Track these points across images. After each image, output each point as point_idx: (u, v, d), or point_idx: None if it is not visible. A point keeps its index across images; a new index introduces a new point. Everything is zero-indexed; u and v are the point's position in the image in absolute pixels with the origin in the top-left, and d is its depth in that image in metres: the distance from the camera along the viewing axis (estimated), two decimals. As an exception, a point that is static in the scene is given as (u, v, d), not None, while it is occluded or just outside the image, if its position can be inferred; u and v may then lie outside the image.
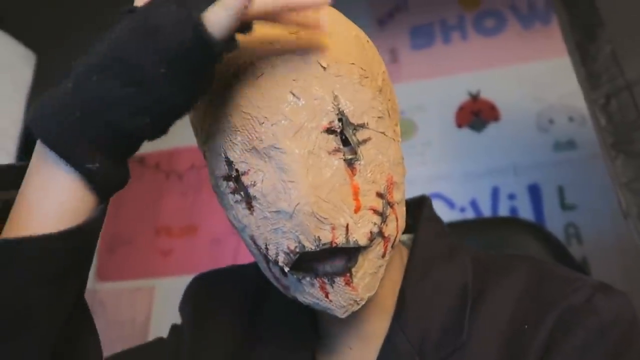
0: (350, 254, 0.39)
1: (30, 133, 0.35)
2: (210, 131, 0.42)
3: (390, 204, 0.41)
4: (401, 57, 1.66)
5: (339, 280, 0.39)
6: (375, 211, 0.40)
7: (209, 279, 0.60)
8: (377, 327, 0.46)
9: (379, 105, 0.42)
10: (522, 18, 1.58)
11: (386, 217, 0.41)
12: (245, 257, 1.29)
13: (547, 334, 0.40)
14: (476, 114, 1.53)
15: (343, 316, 0.40)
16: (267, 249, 0.40)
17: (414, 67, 1.63)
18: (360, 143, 0.40)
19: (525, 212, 1.40)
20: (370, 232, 0.39)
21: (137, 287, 1.69)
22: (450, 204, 1.47)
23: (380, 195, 0.40)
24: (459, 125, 1.54)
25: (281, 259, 0.39)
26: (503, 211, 1.43)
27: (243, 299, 0.56)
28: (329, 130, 0.38)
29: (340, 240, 0.38)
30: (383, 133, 0.41)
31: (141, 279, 1.69)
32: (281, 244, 0.39)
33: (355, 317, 0.46)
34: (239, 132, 0.39)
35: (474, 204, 1.46)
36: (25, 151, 1.95)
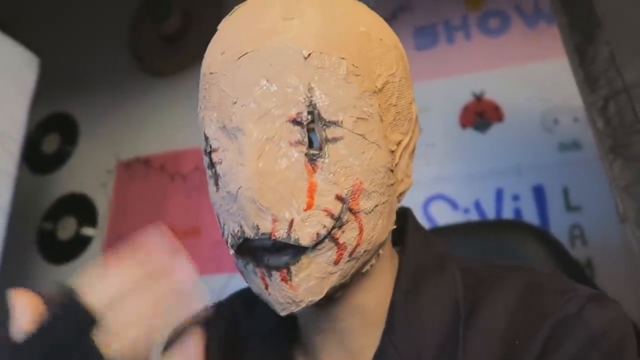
0: (293, 251, 0.38)
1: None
2: (199, 104, 0.43)
3: (352, 211, 0.39)
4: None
5: (275, 275, 0.38)
6: (329, 214, 0.38)
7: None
8: (366, 343, 0.45)
9: (364, 106, 0.39)
10: (527, 18, 1.57)
11: (343, 223, 0.38)
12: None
13: (539, 348, 0.39)
14: (480, 115, 1.52)
15: (282, 314, 0.39)
16: (223, 229, 0.41)
17: (417, 68, 1.62)
18: (329, 140, 0.38)
19: (530, 214, 1.39)
20: (317, 234, 0.37)
21: (142, 288, 1.70)
22: (454, 205, 1.47)
23: (340, 198, 0.38)
24: (463, 126, 1.53)
25: (229, 240, 0.40)
26: (507, 212, 1.42)
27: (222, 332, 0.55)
28: (295, 122, 0.37)
29: (280, 234, 0.37)
30: (362, 136, 0.39)
31: (146, 280, 1.70)
32: (229, 226, 0.39)
33: (341, 330, 0.45)
34: (215, 109, 0.39)
35: (477, 205, 1.45)
36: (27, 154, 1.98)
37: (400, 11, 1.72)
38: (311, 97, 0.37)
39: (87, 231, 1.85)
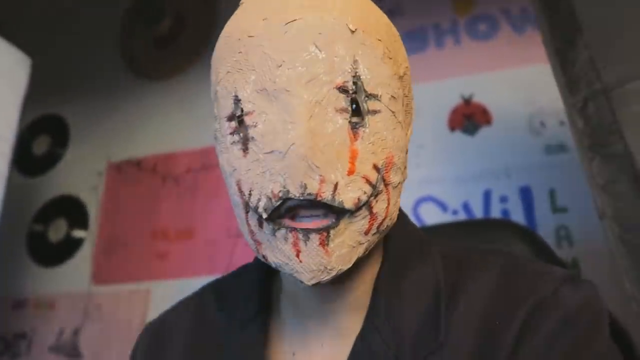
0: (332, 216, 0.39)
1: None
2: (227, 69, 0.42)
3: (385, 182, 0.41)
4: (395, 61, 1.67)
5: (314, 238, 0.38)
6: (368, 181, 0.39)
7: (157, 324, 0.58)
8: (352, 325, 0.46)
9: (396, 87, 0.42)
10: (515, 23, 1.60)
11: (378, 192, 0.40)
12: (240, 260, 1.30)
13: (517, 330, 0.40)
14: (469, 118, 1.55)
15: (309, 283, 0.39)
16: (250, 194, 0.40)
17: (407, 71, 1.65)
18: (369, 112, 0.40)
19: (517, 215, 1.41)
20: (359, 199, 0.38)
21: (133, 290, 1.70)
22: (443, 207, 1.49)
23: (376, 168, 0.40)
24: (452, 129, 1.56)
25: (262, 203, 0.38)
26: (495, 214, 1.44)
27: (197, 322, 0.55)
28: (342, 89, 0.39)
29: (326, 195, 0.37)
30: (393, 113, 0.41)
31: (137, 282, 1.70)
32: (265, 188, 0.38)
33: (330, 311, 0.46)
34: (254, 72, 0.39)
35: (466, 207, 1.47)
36: (17, 156, 1.97)
37: (390, 15, 1.72)
38: (356, 68, 0.39)
39: (78, 233, 1.84)
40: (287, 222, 0.39)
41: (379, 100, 0.40)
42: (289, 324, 0.49)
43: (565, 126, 1.43)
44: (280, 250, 0.40)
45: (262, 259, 0.42)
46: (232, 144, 0.41)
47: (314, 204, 0.38)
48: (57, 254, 1.84)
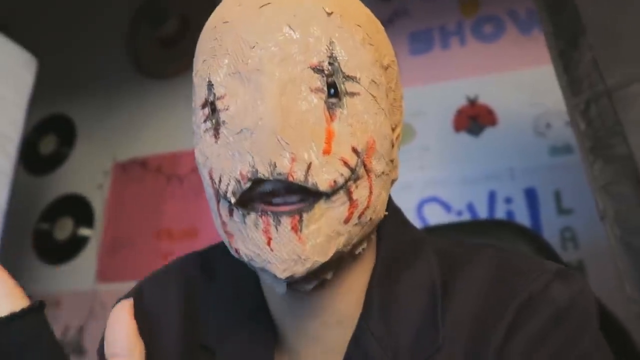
0: (306, 200, 0.36)
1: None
2: (203, 58, 0.40)
3: (366, 167, 0.38)
4: (400, 62, 1.64)
5: (286, 222, 0.35)
6: (346, 163, 0.37)
7: (144, 288, 0.54)
8: (344, 338, 0.43)
9: (377, 74, 0.40)
10: (520, 24, 1.59)
11: (358, 176, 0.38)
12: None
13: (507, 327, 0.39)
14: (474, 119, 1.54)
15: (283, 276, 0.36)
16: (220, 180, 0.37)
17: (412, 73, 1.65)
18: (347, 93, 0.38)
19: (522, 216, 1.41)
20: (335, 181, 0.36)
21: (138, 289, 1.71)
22: (447, 208, 1.48)
23: (355, 151, 0.37)
24: (457, 130, 1.55)
25: (230, 188, 0.36)
26: (500, 215, 1.43)
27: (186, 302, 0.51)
28: (316, 69, 0.37)
29: (298, 175, 0.34)
30: (374, 98, 0.39)
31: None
32: (234, 171, 0.36)
33: (321, 324, 0.43)
34: (228, 55, 0.38)
35: (470, 208, 1.47)
36: (24, 155, 1.98)
37: (396, 16, 1.74)
38: (332, 50, 0.38)
39: (84, 232, 1.86)
40: (257, 205, 0.36)
41: (358, 83, 0.38)
42: (283, 323, 0.46)
43: (570, 127, 1.43)
44: (251, 239, 0.37)
45: (235, 254, 0.40)
46: (204, 131, 0.39)
47: (287, 190, 0.36)
48: (63, 252, 1.85)
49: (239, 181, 0.35)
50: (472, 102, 1.56)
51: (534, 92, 1.49)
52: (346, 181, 0.37)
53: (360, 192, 0.38)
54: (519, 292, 0.41)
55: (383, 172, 0.40)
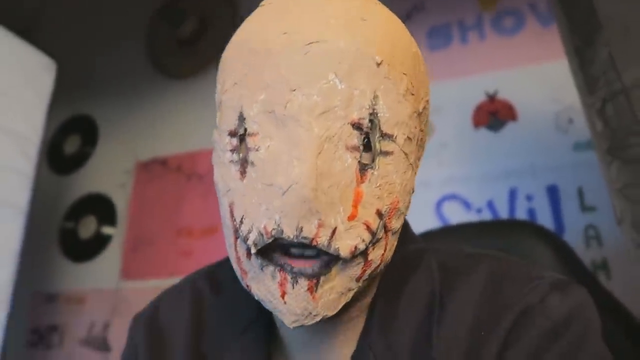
0: (324, 261, 0.36)
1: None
2: (235, 80, 0.38)
3: (386, 229, 0.38)
4: (417, 58, 1.65)
5: (303, 283, 0.35)
6: (369, 228, 0.36)
7: (152, 315, 0.57)
8: (345, 354, 0.44)
9: (413, 127, 0.39)
10: (541, 16, 1.55)
11: (377, 239, 0.37)
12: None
13: (502, 339, 0.39)
14: (494, 114, 1.51)
15: (291, 326, 0.36)
16: (242, 222, 0.36)
17: (431, 68, 1.62)
18: (381, 153, 0.37)
19: (544, 214, 1.38)
20: (356, 247, 0.35)
21: (159, 286, 1.73)
22: (467, 205, 1.46)
23: (379, 214, 0.37)
24: (476, 126, 1.53)
25: (252, 237, 0.35)
26: (520, 213, 1.40)
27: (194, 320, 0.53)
28: (356, 126, 0.35)
29: (322, 241, 0.34)
30: (406, 155, 0.38)
31: (163, 279, 1.74)
32: (258, 221, 0.35)
33: (322, 343, 0.44)
34: (265, 91, 0.36)
35: (490, 205, 1.44)
36: (49, 155, 2.03)
37: (414, 11, 1.72)
38: (375, 105, 0.36)
39: (107, 230, 1.89)
40: (276, 255, 0.36)
41: (394, 142, 0.37)
42: (287, 340, 0.47)
43: (593, 123, 1.39)
44: (265, 286, 0.37)
45: (246, 288, 0.40)
46: (230, 162, 0.38)
47: (304, 247, 0.35)
48: (87, 249, 1.89)
49: (262, 234, 0.35)
50: (492, 98, 1.53)
51: (555, 86, 1.45)
52: (367, 246, 0.36)
53: (376, 252, 0.38)
54: (514, 303, 0.40)
55: (400, 227, 0.40)
